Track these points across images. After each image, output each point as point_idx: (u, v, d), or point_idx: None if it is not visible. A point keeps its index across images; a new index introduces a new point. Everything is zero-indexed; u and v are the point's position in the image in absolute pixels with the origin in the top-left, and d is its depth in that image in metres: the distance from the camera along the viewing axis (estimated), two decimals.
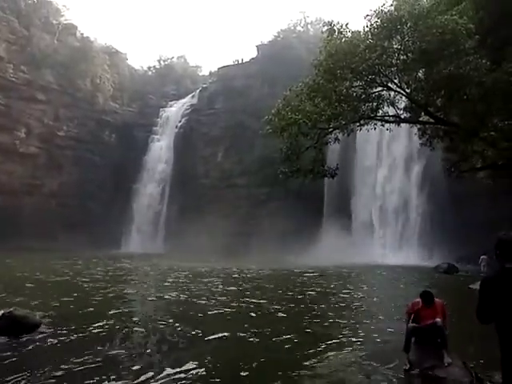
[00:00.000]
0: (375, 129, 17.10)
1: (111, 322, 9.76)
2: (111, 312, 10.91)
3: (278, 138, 15.65)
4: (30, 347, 7.64)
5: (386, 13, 14.75)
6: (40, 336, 8.30)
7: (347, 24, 15.73)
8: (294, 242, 38.64)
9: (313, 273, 23.89)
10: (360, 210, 42.96)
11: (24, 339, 8.04)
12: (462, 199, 31.94)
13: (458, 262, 27.67)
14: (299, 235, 39.75)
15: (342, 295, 15.41)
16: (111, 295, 14.25)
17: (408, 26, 14.14)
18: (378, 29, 14.81)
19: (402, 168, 41.29)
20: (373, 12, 15.17)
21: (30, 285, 16.56)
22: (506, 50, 13.76)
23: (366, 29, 15.40)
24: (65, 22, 61.18)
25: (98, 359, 6.88)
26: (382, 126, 16.98)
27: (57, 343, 7.92)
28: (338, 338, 8.49)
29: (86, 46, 60.60)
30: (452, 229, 32.32)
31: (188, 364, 6.66)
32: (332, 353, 7.38)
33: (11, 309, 8.62)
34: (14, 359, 6.92)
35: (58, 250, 40.00)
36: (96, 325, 9.31)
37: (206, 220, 51.28)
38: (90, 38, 63.65)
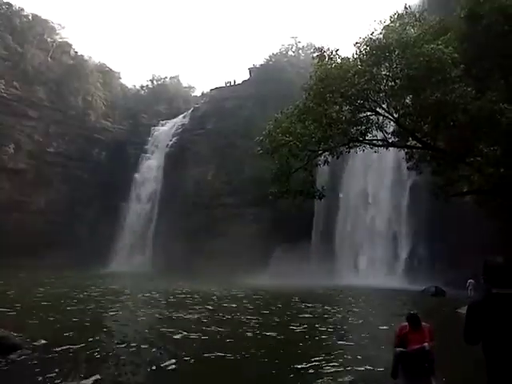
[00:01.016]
0: (364, 151, 17.38)
1: (91, 346, 9.45)
2: (92, 335, 10.58)
3: (269, 159, 15.77)
4: (4, 368, 7.38)
5: (374, 40, 15.20)
6: (18, 357, 8.04)
7: (337, 50, 16.17)
8: (283, 264, 38.38)
9: (304, 295, 23.68)
10: (348, 232, 43.07)
11: (1, 360, 7.77)
12: (449, 223, 32.23)
13: (446, 285, 27.71)
14: (288, 256, 39.54)
15: (330, 318, 15.26)
16: (93, 318, 13.89)
17: (396, 53, 14.56)
18: (366, 55, 15.22)
19: (389, 191, 41.69)
20: (362, 40, 15.63)
21: (12, 304, 16.09)
22: (489, 80, 14.21)
23: (356, 55, 15.82)
24: (59, 40, 61.76)
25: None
26: (371, 148, 17.25)
27: (35, 365, 7.66)
28: (325, 364, 8.37)
29: (79, 64, 61.03)
30: (439, 252, 32.51)
31: None
32: (319, 378, 7.25)
33: None
34: None
35: (43, 267, 39.14)
36: (76, 347, 9.06)
37: (195, 239, 50.86)
38: (84, 56, 64.32)
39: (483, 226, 25.50)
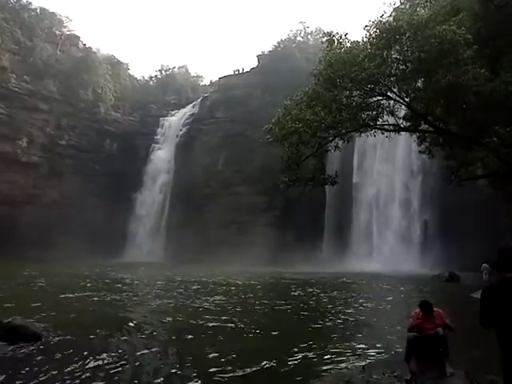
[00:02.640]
0: (375, 136, 17.19)
1: (109, 334, 9.63)
2: (110, 324, 10.78)
3: (279, 146, 15.71)
4: (26, 357, 7.60)
5: (384, 23, 14.86)
6: (38, 346, 8.26)
7: (346, 34, 15.87)
8: (296, 251, 38.51)
9: (318, 282, 23.80)
10: (360, 219, 42.90)
11: (22, 349, 8.00)
12: (464, 207, 31.88)
13: (460, 270, 27.50)
14: (300, 244, 39.64)
15: (345, 304, 15.33)
16: (110, 307, 14.14)
17: (407, 36, 14.22)
18: (376, 39, 14.90)
19: (402, 176, 41.32)
20: (372, 23, 15.30)
21: (30, 294, 16.50)
22: (503, 59, 13.85)
23: (365, 39, 15.52)
24: (67, 33, 61.85)
25: (94, 371, 6.84)
26: (382, 133, 17.05)
27: (55, 353, 7.87)
28: (340, 348, 8.44)
29: (88, 56, 61.06)
30: (454, 237, 32.23)
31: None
32: (334, 363, 7.33)
33: (10, 318, 8.59)
34: (10, 368, 6.90)
35: (57, 259, 39.85)
36: (93, 336, 9.25)
37: (207, 229, 51.22)
38: (93, 48, 64.22)
39: (498, 209, 25.18)
